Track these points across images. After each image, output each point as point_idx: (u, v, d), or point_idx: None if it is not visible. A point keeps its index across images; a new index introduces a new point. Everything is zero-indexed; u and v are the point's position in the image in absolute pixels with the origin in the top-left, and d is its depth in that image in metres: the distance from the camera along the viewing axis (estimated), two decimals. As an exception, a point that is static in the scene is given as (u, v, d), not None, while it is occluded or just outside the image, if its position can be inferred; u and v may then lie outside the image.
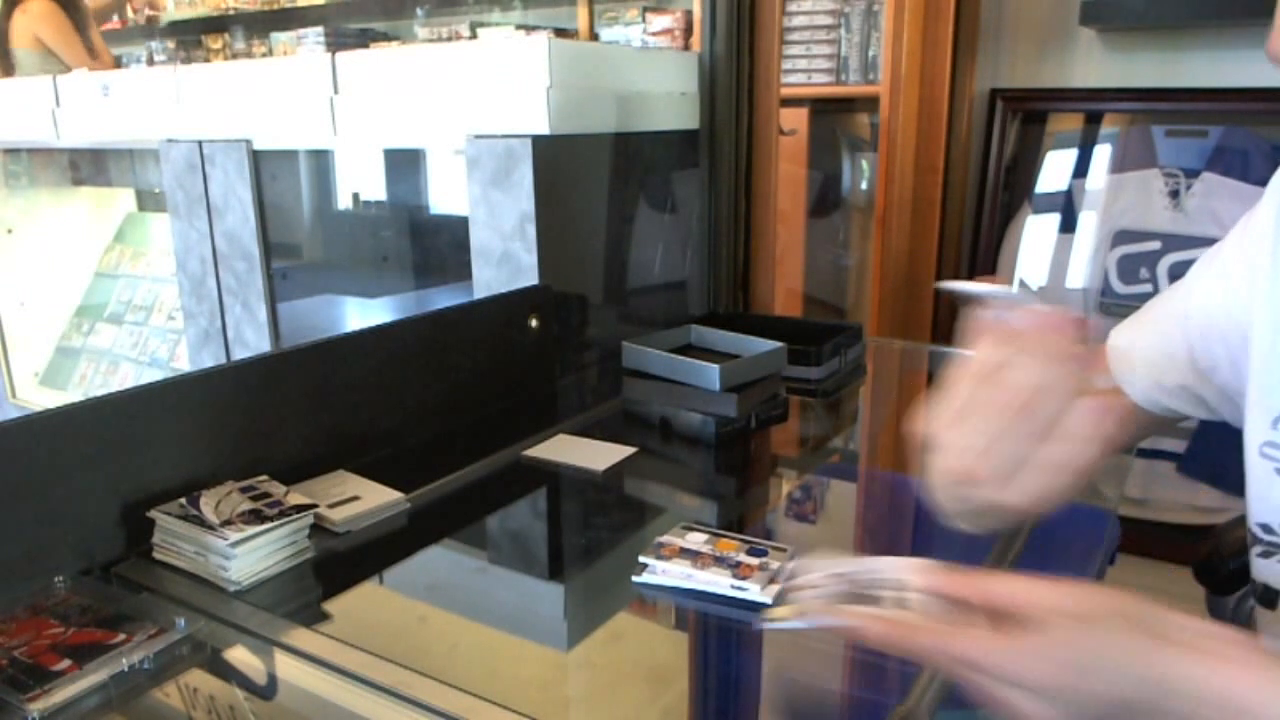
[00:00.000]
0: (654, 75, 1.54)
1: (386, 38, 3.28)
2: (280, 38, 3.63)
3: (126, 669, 0.64)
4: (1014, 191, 2.16)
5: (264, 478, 0.88)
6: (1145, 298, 2.05)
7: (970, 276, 2.21)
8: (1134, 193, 2.01)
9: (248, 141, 1.75)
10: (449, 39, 3.18)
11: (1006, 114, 2.15)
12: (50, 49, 2.90)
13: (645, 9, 2.75)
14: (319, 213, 1.94)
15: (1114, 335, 0.76)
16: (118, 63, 4.05)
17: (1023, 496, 0.52)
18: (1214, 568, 0.72)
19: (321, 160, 1.89)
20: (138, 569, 0.80)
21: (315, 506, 0.85)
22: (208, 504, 0.81)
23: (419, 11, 3.29)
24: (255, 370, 0.94)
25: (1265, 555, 0.65)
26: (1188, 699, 0.43)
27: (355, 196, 1.94)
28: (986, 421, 0.51)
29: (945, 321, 2.22)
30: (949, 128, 2.09)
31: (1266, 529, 0.64)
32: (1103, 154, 2.06)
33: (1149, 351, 0.71)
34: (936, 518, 0.60)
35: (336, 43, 3.28)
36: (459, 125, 1.41)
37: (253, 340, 1.88)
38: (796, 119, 2.65)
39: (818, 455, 1.17)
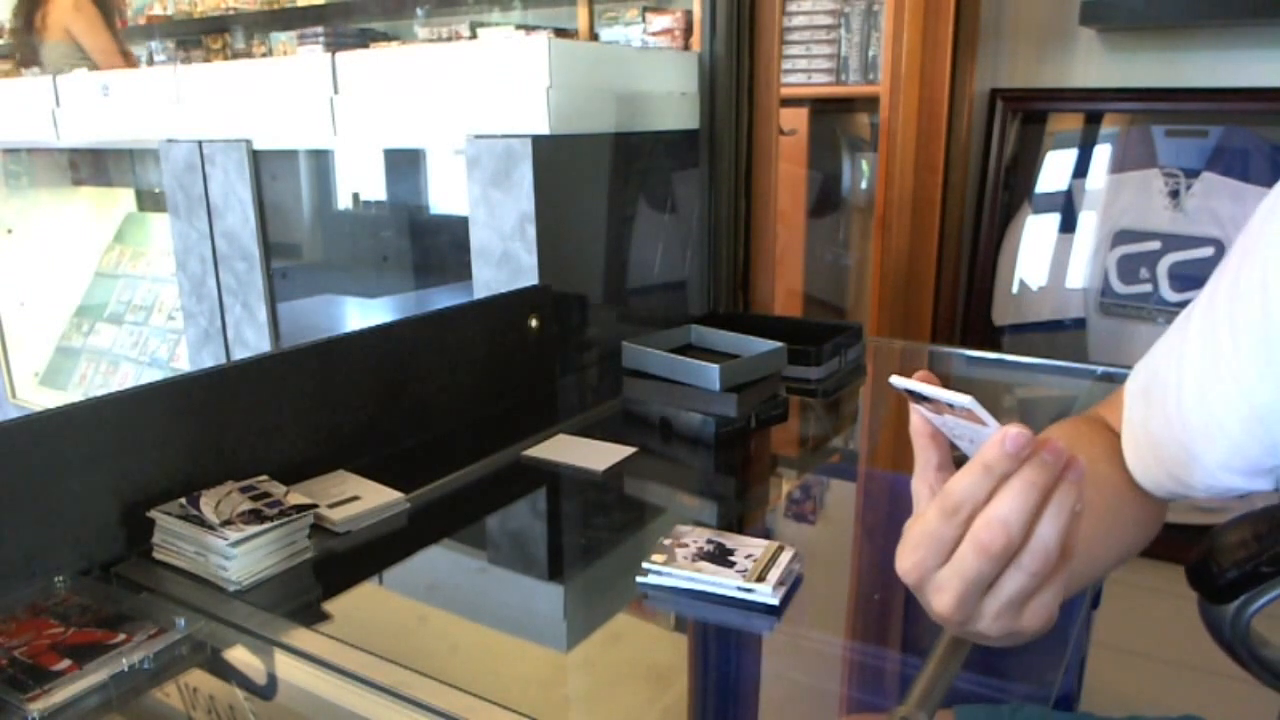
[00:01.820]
0: (654, 75, 1.54)
1: (386, 38, 3.28)
2: (280, 38, 3.63)
3: (126, 669, 0.64)
4: (1014, 191, 2.17)
5: (264, 478, 0.88)
6: (1145, 298, 2.07)
7: (970, 275, 2.21)
8: (1134, 193, 2.01)
9: (248, 141, 1.75)
10: (449, 39, 3.18)
11: (1006, 114, 2.15)
12: (78, 43, 2.83)
13: (645, 9, 2.75)
14: (319, 213, 1.94)
15: (1130, 395, 0.67)
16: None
17: (1033, 624, 0.48)
18: (1211, 575, 0.71)
19: (321, 160, 1.90)
20: (138, 569, 0.80)
21: (315, 506, 0.85)
22: (208, 504, 0.81)
23: (419, 11, 3.29)
24: (255, 370, 0.94)
25: None
26: None
27: (355, 196, 1.94)
28: (973, 565, 0.46)
29: (945, 321, 2.22)
30: (949, 128, 2.09)
31: None
32: (1103, 154, 2.06)
33: (1159, 448, 0.63)
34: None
35: (336, 43, 3.28)
36: (459, 125, 1.41)
37: (253, 340, 1.88)
38: (796, 119, 2.65)
39: (818, 455, 1.17)
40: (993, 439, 0.44)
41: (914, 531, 0.48)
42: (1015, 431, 0.43)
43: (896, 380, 0.48)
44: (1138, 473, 0.65)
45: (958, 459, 0.51)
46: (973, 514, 0.46)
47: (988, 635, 0.49)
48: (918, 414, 0.50)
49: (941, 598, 0.47)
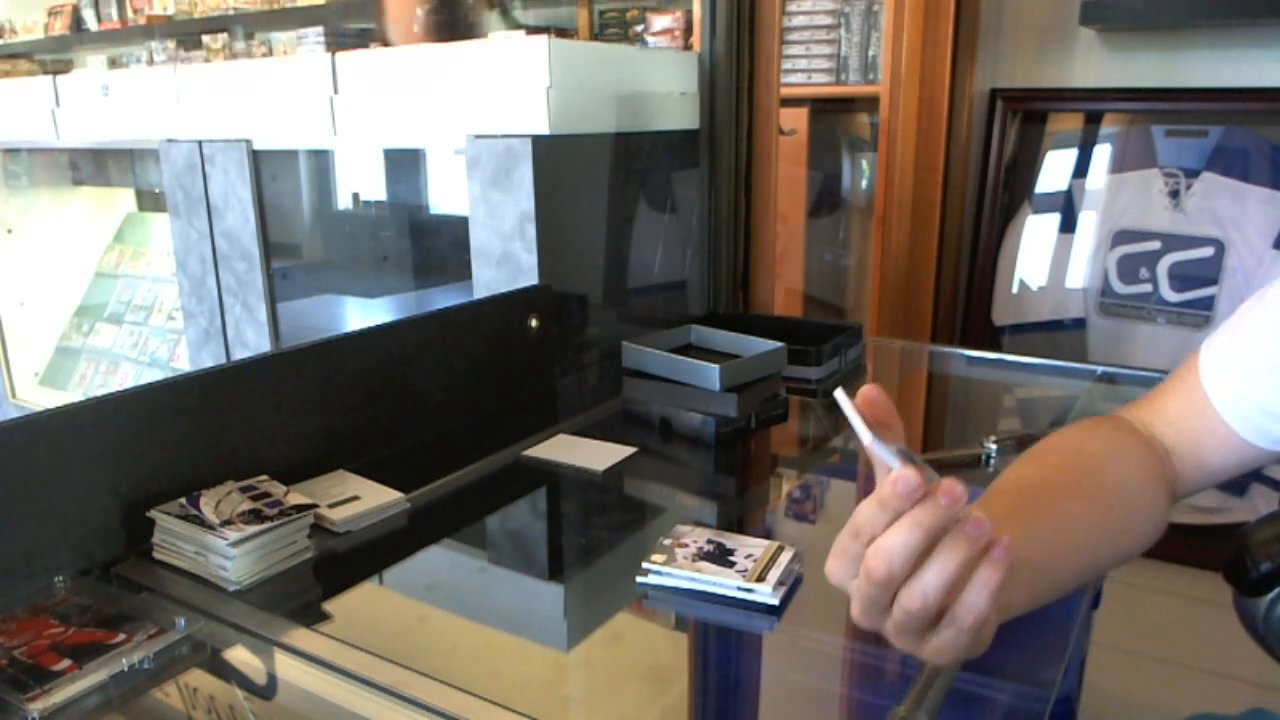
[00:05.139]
0: (654, 75, 1.54)
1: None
2: (280, 38, 3.63)
3: (126, 669, 0.64)
4: (1014, 191, 2.17)
5: (264, 478, 0.88)
6: (1145, 298, 2.07)
7: (970, 275, 2.21)
8: (1134, 193, 2.01)
9: (248, 141, 1.75)
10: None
11: (1006, 114, 2.15)
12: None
13: (645, 9, 2.75)
14: (319, 213, 1.94)
15: (1206, 353, 0.70)
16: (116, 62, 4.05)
17: (936, 658, 0.50)
18: (1245, 570, 0.72)
19: (321, 160, 1.90)
20: (138, 569, 0.80)
21: (315, 506, 0.85)
22: (208, 504, 0.81)
23: (418, 11, 3.29)
24: (255, 370, 0.94)
25: None
26: None
27: (355, 196, 1.94)
28: (864, 586, 0.49)
29: (945, 321, 2.22)
30: (949, 128, 2.09)
31: None
32: (1103, 154, 2.06)
33: (1252, 378, 0.66)
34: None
35: (336, 43, 3.28)
36: (459, 125, 1.41)
37: (253, 340, 1.88)
38: (796, 119, 2.65)
39: (818, 455, 1.17)
40: (888, 478, 0.48)
41: (837, 541, 0.52)
42: (905, 474, 0.47)
43: (839, 395, 0.51)
44: (1228, 413, 0.67)
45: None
46: (872, 538, 0.49)
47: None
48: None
49: (852, 605, 0.51)
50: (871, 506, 0.49)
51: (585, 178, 1.44)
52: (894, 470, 0.48)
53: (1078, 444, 0.70)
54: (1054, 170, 2.12)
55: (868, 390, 0.51)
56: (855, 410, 0.50)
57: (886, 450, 0.49)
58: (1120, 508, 0.66)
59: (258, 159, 1.76)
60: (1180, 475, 0.70)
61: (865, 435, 0.49)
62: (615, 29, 2.81)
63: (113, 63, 4.23)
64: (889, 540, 0.47)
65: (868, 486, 1.09)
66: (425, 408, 1.12)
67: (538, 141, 1.32)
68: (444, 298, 1.74)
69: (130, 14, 4.01)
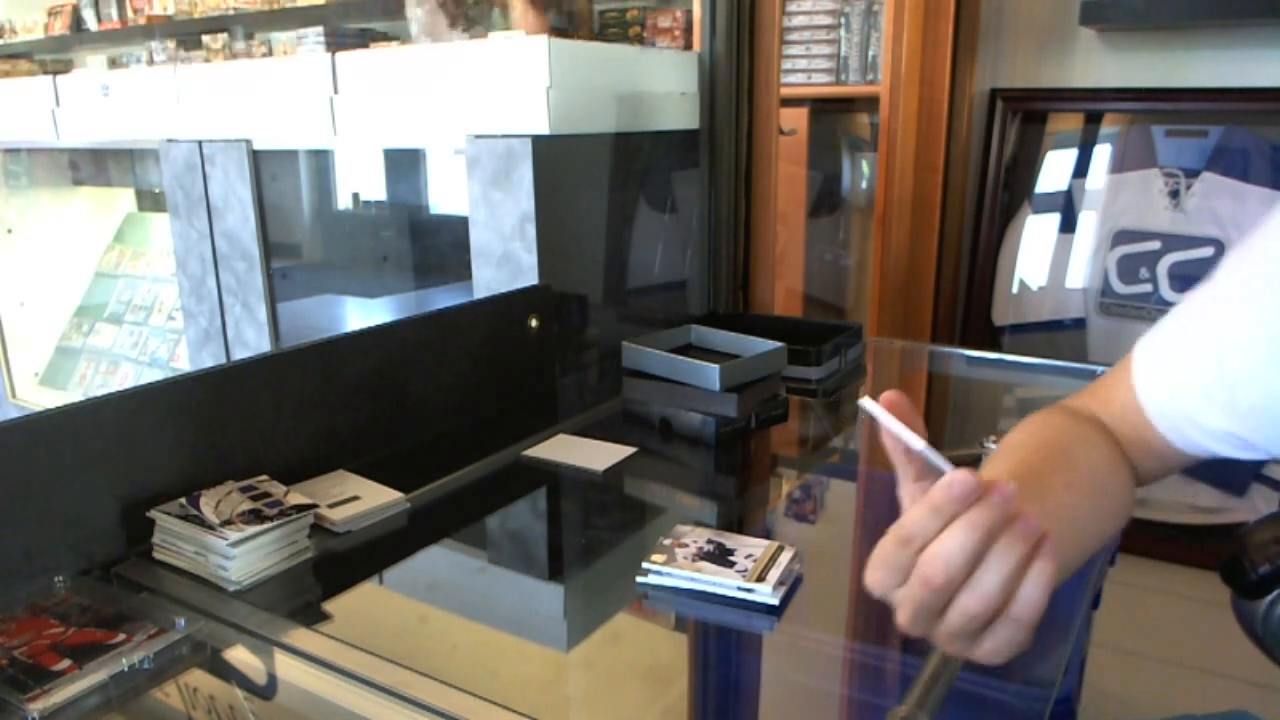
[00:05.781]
0: (654, 75, 1.54)
1: (386, 38, 3.28)
2: (280, 38, 3.63)
3: (126, 669, 0.64)
4: (1014, 191, 2.16)
5: (264, 478, 0.88)
6: (1145, 298, 2.06)
7: (970, 275, 2.21)
8: (1134, 193, 2.01)
9: (248, 141, 1.75)
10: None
11: (1006, 114, 2.15)
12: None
13: (645, 9, 2.74)
14: (319, 213, 1.94)
15: (1140, 354, 0.71)
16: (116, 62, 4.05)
17: (989, 657, 0.50)
18: (1243, 572, 0.72)
19: (321, 160, 1.90)
20: (138, 569, 0.80)
21: (315, 506, 0.85)
22: (208, 504, 0.81)
23: (419, 11, 3.29)
24: (255, 370, 0.94)
25: None
26: None
27: (355, 196, 1.94)
28: (919, 593, 0.48)
29: (945, 321, 2.22)
30: (949, 128, 2.09)
31: None
32: (1103, 154, 2.06)
33: (1182, 389, 0.66)
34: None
35: (336, 43, 3.28)
36: (459, 125, 1.41)
37: (253, 340, 1.88)
38: (796, 119, 2.65)
39: (818, 455, 1.17)
40: (941, 482, 0.47)
41: (878, 550, 0.51)
42: (961, 478, 0.46)
43: (865, 403, 0.50)
44: (1158, 420, 0.67)
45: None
46: (923, 545, 0.48)
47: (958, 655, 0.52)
48: (886, 433, 0.52)
49: (900, 613, 0.51)
50: (923, 512, 0.48)
51: (585, 178, 1.44)
52: (946, 474, 0.47)
53: (1043, 435, 0.70)
54: (1054, 170, 2.11)
55: (890, 396, 0.51)
56: (891, 417, 0.49)
57: (938, 456, 0.48)
58: (1096, 491, 0.66)
59: (258, 159, 1.76)
60: (1137, 462, 0.71)
61: (917, 442, 0.49)
62: (615, 29, 2.81)
63: (113, 63, 4.23)
64: (945, 544, 0.47)
65: (868, 486, 1.08)
66: (425, 408, 1.12)
67: (538, 141, 1.32)
68: (444, 298, 1.74)
69: (130, 14, 4.00)
